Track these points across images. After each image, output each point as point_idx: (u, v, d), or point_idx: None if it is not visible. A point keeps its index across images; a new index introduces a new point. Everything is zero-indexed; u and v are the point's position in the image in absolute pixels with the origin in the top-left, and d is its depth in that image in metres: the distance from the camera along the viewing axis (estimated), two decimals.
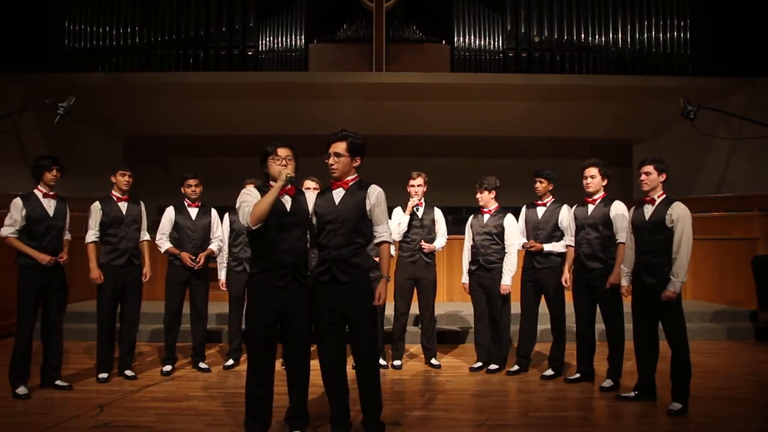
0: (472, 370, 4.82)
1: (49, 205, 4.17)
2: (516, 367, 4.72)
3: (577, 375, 4.46)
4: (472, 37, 9.89)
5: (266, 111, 9.74)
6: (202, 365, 4.80)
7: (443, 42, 9.99)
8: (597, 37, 9.88)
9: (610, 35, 9.87)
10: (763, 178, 8.79)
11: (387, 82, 9.30)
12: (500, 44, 9.90)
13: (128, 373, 4.53)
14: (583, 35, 9.87)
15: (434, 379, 4.63)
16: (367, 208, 3.14)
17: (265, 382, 3.14)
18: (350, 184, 3.20)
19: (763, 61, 9.04)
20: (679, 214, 3.72)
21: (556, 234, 4.65)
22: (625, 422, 3.62)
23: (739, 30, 9.41)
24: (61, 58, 9.77)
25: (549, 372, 4.59)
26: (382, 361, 4.92)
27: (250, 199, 3.07)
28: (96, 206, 4.50)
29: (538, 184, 4.73)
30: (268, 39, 9.93)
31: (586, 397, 4.11)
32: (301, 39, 9.88)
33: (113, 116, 9.70)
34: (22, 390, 3.98)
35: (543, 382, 4.48)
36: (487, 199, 4.82)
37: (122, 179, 4.55)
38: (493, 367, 4.75)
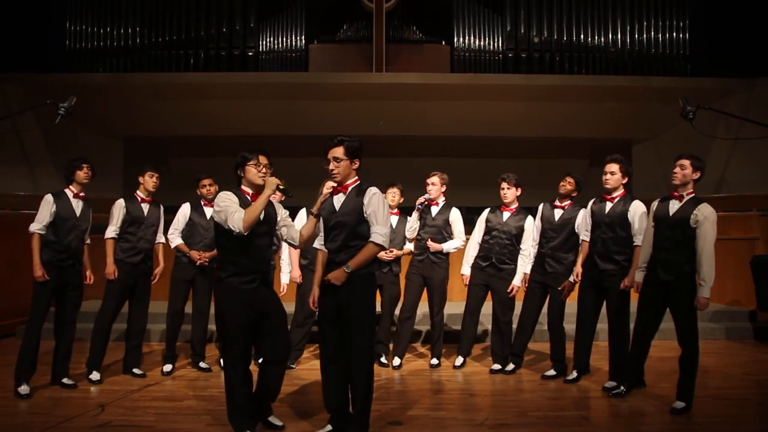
0: (456, 367, 4.86)
1: (77, 206, 4.23)
2: (512, 366, 4.74)
3: (575, 374, 4.46)
4: (472, 38, 9.89)
5: (266, 111, 9.73)
6: (202, 365, 4.80)
7: (443, 42, 9.99)
8: (597, 37, 9.88)
9: (610, 36, 9.88)
10: (763, 178, 8.79)
11: (387, 82, 9.29)
12: (500, 45, 9.90)
13: (136, 371, 4.56)
14: (582, 36, 9.87)
15: (434, 378, 4.63)
16: (365, 210, 3.15)
17: (249, 379, 3.23)
18: (350, 188, 3.22)
19: (762, 61, 9.04)
20: (706, 215, 3.63)
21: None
22: (625, 422, 3.63)
23: (737, 30, 9.41)
24: (61, 58, 9.77)
25: (551, 372, 4.59)
26: (382, 359, 4.95)
27: (233, 205, 3.11)
28: (120, 204, 4.50)
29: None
30: (268, 39, 9.93)
31: (586, 397, 4.13)
32: (301, 39, 9.88)
33: (114, 116, 9.69)
34: (24, 389, 3.99)
35: (543, 382, 4.49)
36: (513, 195, 4.72)
37: (150, 180, 4.55)
38: (495, 367, 4.75)
